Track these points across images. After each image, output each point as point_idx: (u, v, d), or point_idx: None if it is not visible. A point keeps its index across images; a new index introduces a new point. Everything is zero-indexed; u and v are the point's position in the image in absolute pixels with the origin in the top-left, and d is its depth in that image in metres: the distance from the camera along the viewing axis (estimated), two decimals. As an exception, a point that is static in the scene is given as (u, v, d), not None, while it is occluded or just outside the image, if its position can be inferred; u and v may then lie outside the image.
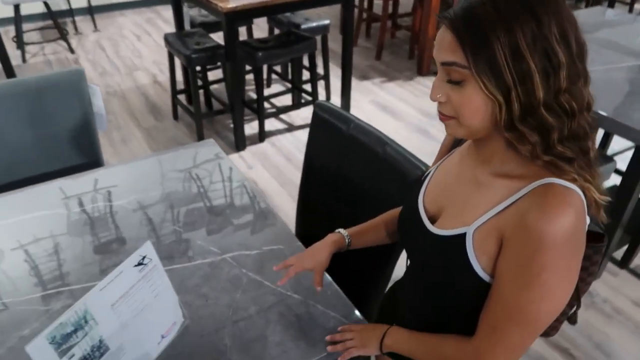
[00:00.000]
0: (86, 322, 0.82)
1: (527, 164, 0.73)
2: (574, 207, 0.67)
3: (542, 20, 0.66)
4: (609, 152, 2.85)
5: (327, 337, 1.00)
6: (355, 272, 1.35)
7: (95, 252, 1.22)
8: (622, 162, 2.16)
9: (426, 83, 3.94)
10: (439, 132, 3.24)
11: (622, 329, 1.96)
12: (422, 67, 4.07)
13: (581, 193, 0.69)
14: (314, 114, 1.51)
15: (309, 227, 1.62)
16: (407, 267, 1.00)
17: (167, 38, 3.07)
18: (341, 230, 1.10)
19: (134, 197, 1.39)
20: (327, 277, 1.15)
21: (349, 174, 1.42)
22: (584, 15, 2.96)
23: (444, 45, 0.71)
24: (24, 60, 4.23)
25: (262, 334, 1.01)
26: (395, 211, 1.11)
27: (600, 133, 2.80)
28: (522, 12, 0.66)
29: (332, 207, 1.49)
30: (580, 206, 0.68)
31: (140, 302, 0.92)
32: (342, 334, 1.00)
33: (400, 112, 3.56)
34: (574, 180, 0.69)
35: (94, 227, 1.29)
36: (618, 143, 2.91)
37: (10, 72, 3.23)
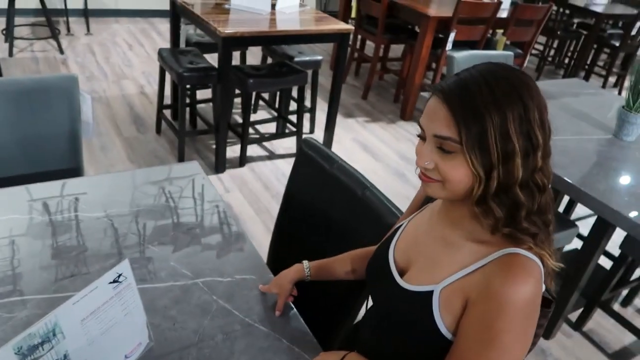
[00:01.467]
0: (54, 335, 0.82)
1: (490, 234, 0.79)
2: (534, 277, 0.73)
3: (527, 105, 0.72)
4: (573, 216, 2.97)
5: None
6: (324, 308, 1.37)
7: (53, 257, 1.21)
8: (585, 228, 2.27)
9: (408, 128, 4.06)
10: (415, 177, 3.31)
11: (571, 390, 2.02)
12: (406, 112, 4.19)
13: (540, 263, 0.75)
14: (300, 149, 1.56)
15: (282, 258, 1.63)
16: (370, 309, 1.03)
17: (161, 53, 3.10)
18: (305, 261, 1.19)
19: (101, 207, 1.39)
20: (297, 314, 1.17)
21: (327, 211, 1.45)
22: (561, 85, 3.14)
23: (438, 119, 0.76)
24: (10, 54, 4.18)
25: (225, 363, 1.02)
26: (364, 250, 1.16)
27: (565, 198, 2.92)
28: (512, 96, 0.72)
29: (306, 240, 1.52)
30: (539, 275, 0.74)
31: (109, 320, 0.92)
32: None
33: (380, 153, 3.65)
34: (531, 249, 0.75)
35: (55, 232, 1.28)
36: (582, 208, 3.04)
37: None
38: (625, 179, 1.96)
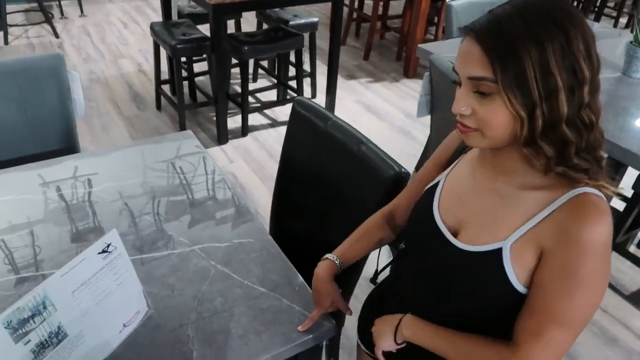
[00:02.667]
0: (45, 307, 0.81)
1: (544, 174, 0.75)
2: (607, 214, 0.70)
3: (569, 35, 0.67)
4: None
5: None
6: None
7: (72, 240, 1.20)
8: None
9: (412, 85, 3.97)
10: (421, 134, 3.27)
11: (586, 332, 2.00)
12: (409, 69, 4.09)
13: (604, 197, 0.73)
14: (293, 110, 1.52)
15: (283, 221, 1.62)
16: (411, 276, 0.96)
17: (153, 27, 3.04)
18: (329, 255, 1.06)
19: (112, 185, 1.38)
20: (294, 270, 1.16)
21: (324, 171, 1.42)
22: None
23: (471, 60, 0.70)
24: (6, 42, 4.15)
25: (226, 326, 1.01)
26: (378, 216, 1.09)
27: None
28: (551, 27, 0.66)
29: (306, 201, 1.50)
30: (609, 210, 0.72)
31: (102, 290, 0.91)
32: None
33: (385, 113, 3.58)
34: (588, 185, 0.72)
35: (71, 214, 1.28)
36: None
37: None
38: (635, 117, 1.88)
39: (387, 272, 1.15)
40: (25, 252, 1.16)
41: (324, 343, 1.05)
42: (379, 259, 1.16)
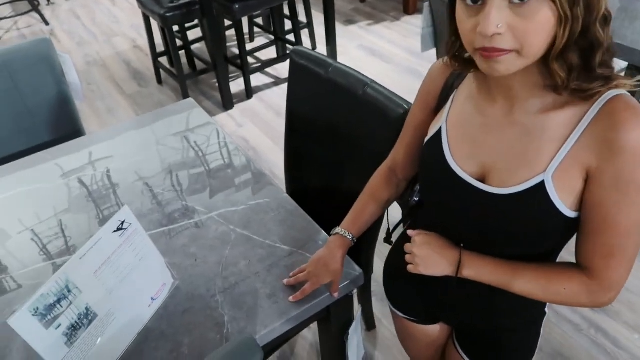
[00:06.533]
0: (69, 291, 0.81)
1: (558, 94, 0.70)
2: None
3: None
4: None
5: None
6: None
7: (100, 224, 1.20)
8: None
9: (414, 22, 3.81)
10: (430, 72, 3.16)
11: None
12: (409, 5, 3.92)
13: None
14: (292, 62, 1.46)
15: (297, 178, 1.60)
16: (433, 226, 0.89)
17: (139, -1, 2.95)
18: (338, 229, 1.02)
19: (128, 166, 1.37)
20: (315, 225, 1.14)
21: (332, 120, 1.38)
22: None
23: None
24: (-2, 37, 4.10)
25: (253, 288, 1.01)
26: (374, 182, 1.04)
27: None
28: None
29: (318, 155, 1.46)
30: None
31: (124, 267, 0.91)
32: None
33: (389, 54, 3.46)
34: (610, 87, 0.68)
35: (95, 200, 1.27)
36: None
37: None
38: (654, 19, 1.77)
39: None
40: (57, 242, 1.16)
41: (354, 292, 1.04)
42: (389, 218, 1.11)
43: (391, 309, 1.09)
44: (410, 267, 0.88)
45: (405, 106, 1.15)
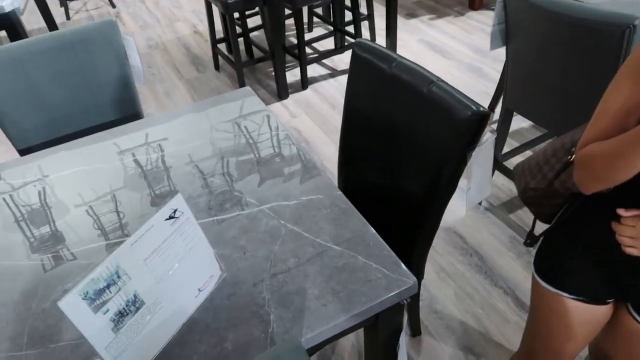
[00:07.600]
0: (119, 277, 0.80)
1: None
2: None
3: None
4: None
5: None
6: (397, 226, 1.28)
7: (152, 204, 1.21)
8: None
9: (479, 18, 3.65)
10: (493, 71, 3.02)
11: None
12: (475, 1, 3.76)
13: None
14: (353, 54, 1.40)
15: (351, 176, 1.55)
16: None
17: (203, -16, 2.97)
18: None
19: (181, 149, 1.38)
20: (370, 228, 1.09)
21: (392, 117, 1.31)
22: None
23: None
24: (67, 17, 4.27)
25: (301, 287, 0.97)
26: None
27: None
28: None
29: (374, 152, 1.41)
30: None
31: (174, 256, 0.89)
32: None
33: (451, 50, 3.33)
34: None
35: (148, 179, 1.29)
36: None
37: (54, 30, 3.25)
38: None
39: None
40: (111, 217, 1.18)
41: (406, 301, 0.98)
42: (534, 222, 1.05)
43: (550, 291, 1.00)
44: (631, 250, 0.81)
45: (474, 107, 1.08)
